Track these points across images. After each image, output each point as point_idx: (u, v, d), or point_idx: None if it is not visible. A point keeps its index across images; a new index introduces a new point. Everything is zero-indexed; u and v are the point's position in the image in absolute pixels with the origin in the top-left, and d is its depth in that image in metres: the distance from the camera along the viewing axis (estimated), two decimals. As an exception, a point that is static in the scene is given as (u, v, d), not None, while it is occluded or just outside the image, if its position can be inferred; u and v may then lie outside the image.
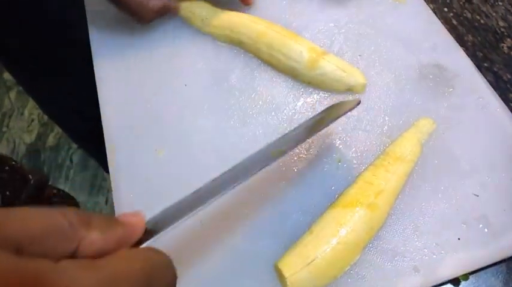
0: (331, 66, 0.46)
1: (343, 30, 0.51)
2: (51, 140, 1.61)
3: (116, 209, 0.41)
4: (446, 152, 0.43)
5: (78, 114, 0.94)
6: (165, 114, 0.47)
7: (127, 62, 0.50)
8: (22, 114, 1.67)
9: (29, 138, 1.63)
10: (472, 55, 0.50)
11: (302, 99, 0.47)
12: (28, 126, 1.65)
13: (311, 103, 0.46)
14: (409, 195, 0.40)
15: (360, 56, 0.49)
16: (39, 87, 0.92)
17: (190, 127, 0.46)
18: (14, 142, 1.60)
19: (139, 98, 0.48)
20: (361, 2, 0.53)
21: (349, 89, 0.46)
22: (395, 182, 0.40)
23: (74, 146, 1.55)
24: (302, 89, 0.47)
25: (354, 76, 0.46)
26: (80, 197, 1.50)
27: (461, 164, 0.42)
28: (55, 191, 0.85)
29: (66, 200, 0.83)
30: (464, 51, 0.50)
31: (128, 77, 0.50)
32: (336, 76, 0.46)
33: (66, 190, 1.51)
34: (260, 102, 0.47)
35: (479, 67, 0.49)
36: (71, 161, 1.57)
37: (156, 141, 0.45)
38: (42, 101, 1.02)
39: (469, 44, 0.51)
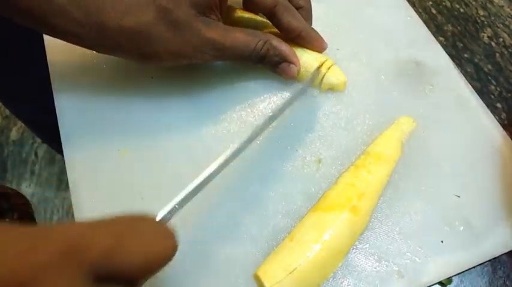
0: (312, 61, 0.44)
1: (320, 22, 0.50)
2: (14, 134, 1.55)
3: (75, 214, 0.38)
4: (427, 151, 0.42)
5: (40, 109, 0.91)
6: (129, 110, 0.43)
7: (84, 49, 0.44)
8: (-17, 108, 1.61)
9: (-9, 132, 1.57)
10: (452, 45, 0.50)
11: (279, 94, 0.45)
12: (-10, 120, 1.59)
13: (284, 99, 0.45)
14: (391, 196, 0.39)
15: (338, 50, 0.48)
16: (4, 80, 0.89)
17: (157, 125, 0.43)
18: (-25, 137, 1.55)
19: (99, 92, 0.44)
20: (337, -5, 0.52)
21: (330, 88, 0.45)
22: (377, 183, 0.39)
23: (39, 140, 1.50)
24: (278, 84, 0.46)
25: (335, 74, 0.45)
26: (47, 193, 1.45)
27: (442, 164, 0.41)
28: (1, 190, 0.82)
29: (16, 201, 0.79)
30: (444, 41, 0.50)
31: (85, 66, 0.46)
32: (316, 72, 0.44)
33: (32, 185, 1.47)
34: (234, 98, 0.45)
35: (459, 58, 0.49)
36: (36, 155, 1.52)
37: (118, 140, 0.42)
38: (2, 94, 0.98)
39: (449, 34, 0.51)
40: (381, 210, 0.39)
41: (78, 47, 0.40)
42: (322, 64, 0.44)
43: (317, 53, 0.44)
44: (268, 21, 0.45)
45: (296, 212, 0.38)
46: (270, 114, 0.38)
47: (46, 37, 0.47)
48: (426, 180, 0.40)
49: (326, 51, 0.47)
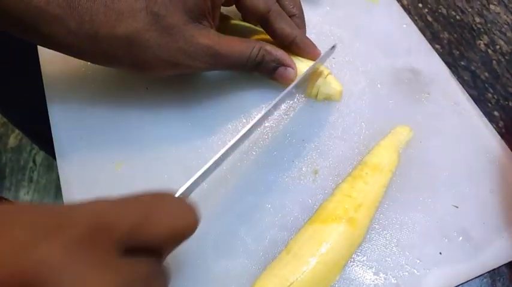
0: (305, 69, 0.44)
1: (314, 31, 0.50)
2: (12, 141, 1.55)
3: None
4: (424, 161, 0.41)
5: (36, 116, 0.90)
6: (124, 122, 0.43)
7: (78, 61, 0.43)
8: (-20, 116, 1.61)
9: (-11, 139, 1.56)
10: (448, 53, 0.49)
11: (277, 104, 0.45)
12: (-12, 127, 1.59)
13: (284, 109, 0.44)
14: (388, 207, 0.39)
15: (333, 58, 0.48)
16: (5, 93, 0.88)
17: (152, 136, 0.42)
18: (-27, 144, 1.54)
19: (93, 104, 0.44)
20: (335, 1, 0.52)
21: (326, 98, 0.45)
22: (374, 194, 0.39)
23: (37, 146, 1.49)
24: (274, 94, 0.45)
25: (331, 84, 0.44)
26: (46, 200, 1.45)
27: (439, 174, 0.41)
28: None
29: None
30: (441, 49, 0.49)
31: (79, 78, 0.45)
32: (312, 82, 0.44)
33: (30, 192, 1.46)
34: (229, 109, 0.44)
35: (456, 66, 0.48)
36: (34, 162, 1.51)
37: (113, 153, 0.41)
38: (2, 104, 0.98)
39: (445, 41, 0.50)
40: (378, 221, 0.38)
41: (72, 59, 0.39)
42: (314, 70, 0.43)
43: (310, 61, 0.44)
44: (260, 29, 0.45)
45: (293, 224, 0.38)
46: (257, 118, 0.37)
47: (40, 48, 0.47)
48: (424, 190, 0.40)
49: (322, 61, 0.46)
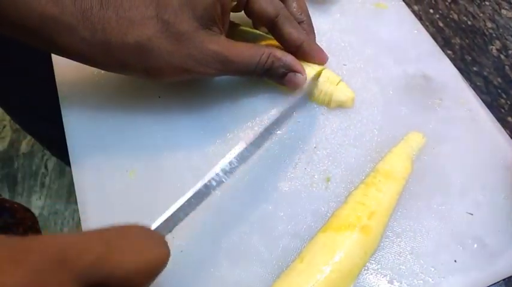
0: (322, 78, 0.44)
1: (324, 38, 0.49)
2: (24, 146, 1.56)
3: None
4: (438, 168, 0.41)
5: (49, 123, 0.91)
6: (137, 130, 0.43)
7: (91, 69, 0.44)
8: (-8, 122, 1.62)
9: (1, 145, 1.57)
10: (460, 59, 0.49)
11: (289, 111, 0.44)
12: (0, 133, 1.60)
13: (295, 116, 0.44)
14: (402, 215, 0.38)
15: (344, 65, 0.47)
16: (9, 96, 0.89)
17: (165, 144, 0.42)
18: (-14, 150, 1.55)
19: (107, 112, 0.44)
20: (344, 8, 0.51)
21: (338, 105, 0.44)
22: (387, 201, 0.38)
23: (49, 152, 1.50)
24: (285, 100, 0.45)
25: (343, 91, 0.44)
26: (58, 205, 1.45)
27: (453, 180, 0.40)
28: (7, 205, 0.81)
29: (21, 216, 0.78)
30: (452, 54, 0.49)
31: (93, 86, 0.45)
32: (325, 89, 0.44)
33: (43, 198, 1.47)
34: (241, 116, 0.44)
35: (468, 72, 0.48)
36: (46, 168, 1.52)
37: (127, 161, 0.41)
38: (12, 110, 0.99)
39: (457, 47, 0.50)
40: (392, 229, 0.38)
41: (85, 67, 0.40)
42: (319, 73, 0.43)
43: (319, 66, 0.44)
44: (269, 36, 0.45)
45: (306, 232, 0.38)
46: (266, 126, 0.37)
47: (54, 57, 0.47)
48: (437, 197, 0.39)
49: (332, 66, 0.46)
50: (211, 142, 0.43)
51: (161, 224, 0.29)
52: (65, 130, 0.44)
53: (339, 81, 0.44)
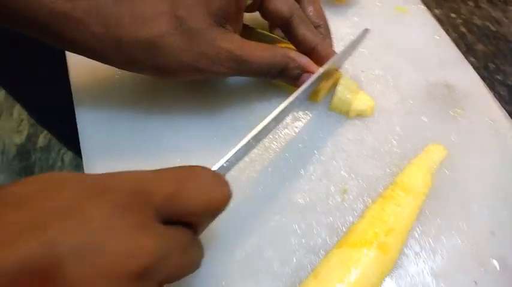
0: (340, 86, 0.42)
1: (342, 43, 0.48)
2: (41, 140, 1.57)
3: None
4: (459, 183, 0.39)
5: (66, 122, 0.91)
6: (150, 135, 0.42)
7: (106, 71, 0.44)
8: (11, 114, 1.63)
9: (19, 139, 1.58)
10: (483, 67, 0.47)
11: (302, 119, 0.43)
12: (18, 126, 1.61)
13: (312, 125, 0.43)
14: (420, 232, 0.37)
15: (362, 71, 0.46)
16: (28, 94, 0.89)
17: (176, 149, 0.41)
18: (4, 143, 1.56)
19: (120, 114, 0.43)
20: (363, 11, 0.49)
21: (358, 114, 0.43)
22: (406, 217, 0.37)
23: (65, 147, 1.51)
24: (301, 103, 0.44)
25: (363, 100, 0.42)
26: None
27: (475, 196, 0.38)
28: None
29: None
30: (476, 62, 0.47)
31: (107, 88, 0.45)
32: (343, 98, 0.42)
33: (58, 191, 1.48)
34: (255, 123, 0.43)
35: (491, 80, 0.46)
36: (63, 161, 1.53)
37: (138, 166, 0.40)
38: (29, 108, 0.99)
39: (480, 54, 0.48)
40: (410, 247, 0.36)
41: (100, 67, 0.39)
42: (328, 74, 0.41)
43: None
44: (283, 39, 0.43)
45: (320, 247, 0.36)
46: (266, 123, 0.36)
47: (69, 59, 0.46)
48: (458, 214, 0.38)
49: (350, 72, 0.44)
50: (224, 149, 0.41)
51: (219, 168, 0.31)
52: (79, 133, 0.43)
53: (358, 89, 0.42)
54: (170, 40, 0.36)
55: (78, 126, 0.44)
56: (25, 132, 1.59)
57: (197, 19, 0.36)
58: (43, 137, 1.57)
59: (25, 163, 1.54)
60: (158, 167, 0.40)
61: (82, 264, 0.21)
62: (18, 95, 0.91)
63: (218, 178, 0.28)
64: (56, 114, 0.91)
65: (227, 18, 0.37)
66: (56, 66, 0.58)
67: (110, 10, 0.35)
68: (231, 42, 0.37)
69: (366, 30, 0.42)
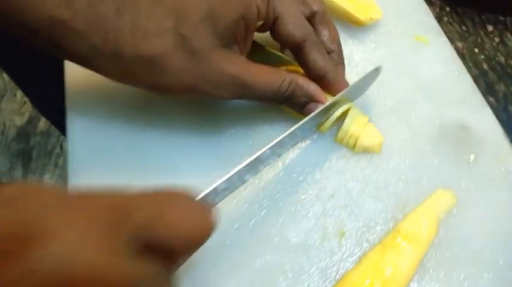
0: (348, 118, 0.39)
1: (356, 70, 0.45)
2: (42, 125, 1.54)
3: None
4: (466, 235, 0.36)
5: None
6: (142, 151, 0.39)
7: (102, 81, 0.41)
8: (15, 95, 1.60)
9: (20, 121, 1.56)
10: (503, 108, 0.44)
11: (308, 149, 0.40)
12: (20, 108, 1.58)
13: (314, 157, 0.40)
14: (420, 285, 0.34)
15: (374, 103, 0.43)
16: (29, 82, 0.87)
17: (168, 168, 0.39)
18: (4, 124, 1.54)
19: (114, 128, 0.40)
20: (381, 38, 0.46)
21: (364, 150, 0.40)
22: (406, 269, 0.34)
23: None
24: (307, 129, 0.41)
25: (371, 134, 0.39)
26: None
27: (482, 252, 0.35)
28: None
29: None
30: (495, 103, 0.44)
31: (103, 99, 0.42)
32: (351, 131, 0.39)
33: (54, 178, 1.45)
34: (256, 146, 0.40)
35: (510, 125, 0.42)
36: (61, 148, 1.50)
37: (127, 181, 0.37)
38: (35, 97, 0.97)
39: (501, 94, 0.45)
40: (408, 303, 0.33)
41: (96, 78, 0.36)
42: (336, 104, 0.39)
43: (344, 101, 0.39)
44: (291, 60, 0.40)
45: (311, 293, 0.33)
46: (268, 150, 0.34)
47: (66, 63, 0.44)
48: (463, 270, 0.35)
49: (360, 103, 0.41)
50: (217, 170, 0.38)
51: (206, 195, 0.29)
52: (68, 141, 0.41)
53: (366, 123, 0.39)
54: (172, 59, 0.34)
55: (67, 134, 0.41)
56: (27, 115, 1.57)
57: (202, 39, 0.34)
58: (44, 122, 1.55)
59: (24, 145, 1.52)
60: (149, 184, 0.37)
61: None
62: (20, 82, 0.89)
63: (202, 207, 0.26)
64: (56, 105, 0.89)
65: (234, 40, 0.35)
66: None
67: (111, 22, 0.33)
68: (236, 66, 0.35)
69: (379, 68, 0.39)
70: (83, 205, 0.22)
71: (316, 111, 0.37)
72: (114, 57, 0.33)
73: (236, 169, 0.31)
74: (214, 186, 0.30)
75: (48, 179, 1.45)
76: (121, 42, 0.33)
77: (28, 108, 1.58)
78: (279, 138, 0.34)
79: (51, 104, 0.91)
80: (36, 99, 0.97)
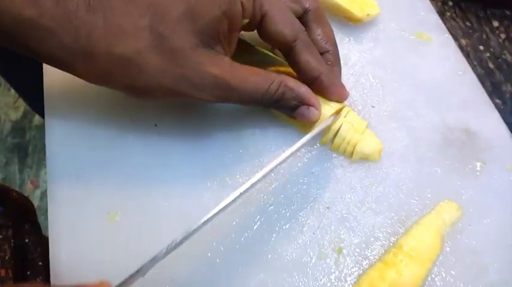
0: (346, 124, 0.36)
1: (352, 71, 0.41)
2: (37, 119, 1.51)
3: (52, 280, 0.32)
4: (472, 250, 0.33)
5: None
6: (126, 163, 0.36)
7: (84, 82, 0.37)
8: (9, 89, 1.57)
9: (15, 115, 1.53)
10: (510, 111, 0.41)
11: (303, 158, 0.37)
12: (14, 102, 1.55)
13: (309, 166, 0.37)
14: (424, 308, 0.32)
15: (373, 107, 0.40)
16: (19, 78, 0.84)
17: (155, 183, 0.36)
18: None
19: (95, 138, 0.38)
20: (380, 36, 0.43)
21: (362, 158, 0.37)
22: (408, 289, 0.32)
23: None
24: (295, 137, 0.38)
25: (369, 141, 0.36)
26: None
27: (489, 268, 0.33)
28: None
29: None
30: (502, 104, 0.41)
31: (83, 106, 0.39)
32: (348, 138, 0.36)
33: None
34: (245, 159, 0.37)
35: (519, 128, 0.39)
36: (57, 142, 1.48)
37: (109, 200, 0.35)
38: (24, 93, 0.94)
39: (507, 96, 0.42)
40: (410, 327, 0.31)
41: (76, 86, 0.36)
42: (338, 111, 0.36)
43: (338, 105, 0.36)
44: (283, 60, 0.37)
45: (306, 316, 0.31)
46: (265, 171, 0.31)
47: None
48: (469, 290, 0.32)
49: (358, 107, 0.38)
50: (207, 187, 0.36)
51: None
52: (46, 148, 0.38)
53: (365, 129, 0.36)
54: (148, 58, 0.31)
55: (46, 140, 0.38)
56: (21, 109, 1.54)
57: (181, 37, 0.31)
58: (39, 116, 1.52)
59: (19, 139, 1.49)
60: (128, 205, 0.35)
61: None
62: (9, 78, 0.87)
63: None
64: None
65: (216, 38, 0.32)
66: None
67: (82, 18, 0.30)
68: (219, 67, 0.32)
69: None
70: None
71: (316, 131, 0.34)
72: (86, 56, 0.31)
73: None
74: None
75: (44, 173, 1.42)
76: (93, 41, 0.30)
77: (23, 102, 1.54)
78: (269, 167, 0.32)
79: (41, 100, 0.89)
80: (27, 95, 0.94)
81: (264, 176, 0.31)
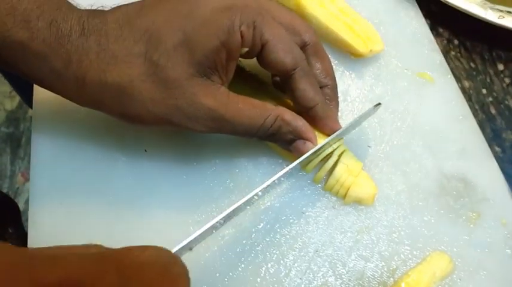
0: (340, 165, 0.35)
1: (351, 107, 0.40)
2: (32, 110, 1.49)
3: None
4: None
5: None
6: (112, 189, 0.35)
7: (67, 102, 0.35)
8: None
9: (10, 104, 1.50)
10: (509, 160, 0.39)
11: (294, 197, 0.36)
12: (11, 91, 1.53)
13: (300, 206, 0.35)
14: None
15: (369, 147, 0.38)
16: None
17: (140, 214, 0.34)
18: (-6, 107, 1.49)
19: (82, 163, 0.36)
20: (381, 73, 0.41)
21: (355, 201, 0.35)
22: None
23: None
24: (290, 179, 0.36)
25: (363, 185, 0.35)
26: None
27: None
28: None
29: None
30: (501, 153, 0.39)
31: (72, 127, 0.37)
32: (342, 180, 0.35)
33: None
34: (235, 193, 0.36)
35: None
36: (51, 136, 1.46)
37: (90, 230, 0.34)
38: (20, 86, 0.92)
39: (508, 144, 0.40)
40: None
41: (66, 108, 0.34)
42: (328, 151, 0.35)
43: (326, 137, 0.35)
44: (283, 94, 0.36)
45: None
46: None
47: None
48: None
49: (353, 146, 0.37)
50: (195, 219, 0.34)
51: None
52: (31, 167, 0.36)
53: (359, 172, 0.35)
54: (141, 88, 0.30)
55: (31, 158, 0.37)
56: (17, 99, 1.52)
57: (176, 67, 0.29)
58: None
59: (13, 129, 1.47)
60: (110, 236, 0.33)
61: None
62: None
63: (169, 275, 0.22)
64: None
65: (214, 69, 0.31)
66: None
67: (75, 43, 0.29)
68: (214, 99, 0.31)
69: (378, 105, 0.35)
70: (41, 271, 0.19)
71: (305, 156, 0.33)
72: (77, 82, 0.30)
73: (211, 223, 0.28)
74: (189, 239, 0.27)
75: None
76: (85, 67, 0.29)
77: (19, 92, 1.52)
78: (258, 190, 0.30)
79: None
80: (20, 87, 0.93)
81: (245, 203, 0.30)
